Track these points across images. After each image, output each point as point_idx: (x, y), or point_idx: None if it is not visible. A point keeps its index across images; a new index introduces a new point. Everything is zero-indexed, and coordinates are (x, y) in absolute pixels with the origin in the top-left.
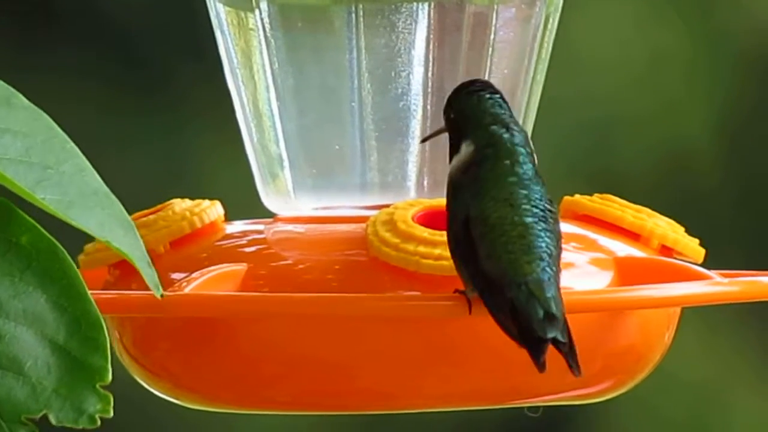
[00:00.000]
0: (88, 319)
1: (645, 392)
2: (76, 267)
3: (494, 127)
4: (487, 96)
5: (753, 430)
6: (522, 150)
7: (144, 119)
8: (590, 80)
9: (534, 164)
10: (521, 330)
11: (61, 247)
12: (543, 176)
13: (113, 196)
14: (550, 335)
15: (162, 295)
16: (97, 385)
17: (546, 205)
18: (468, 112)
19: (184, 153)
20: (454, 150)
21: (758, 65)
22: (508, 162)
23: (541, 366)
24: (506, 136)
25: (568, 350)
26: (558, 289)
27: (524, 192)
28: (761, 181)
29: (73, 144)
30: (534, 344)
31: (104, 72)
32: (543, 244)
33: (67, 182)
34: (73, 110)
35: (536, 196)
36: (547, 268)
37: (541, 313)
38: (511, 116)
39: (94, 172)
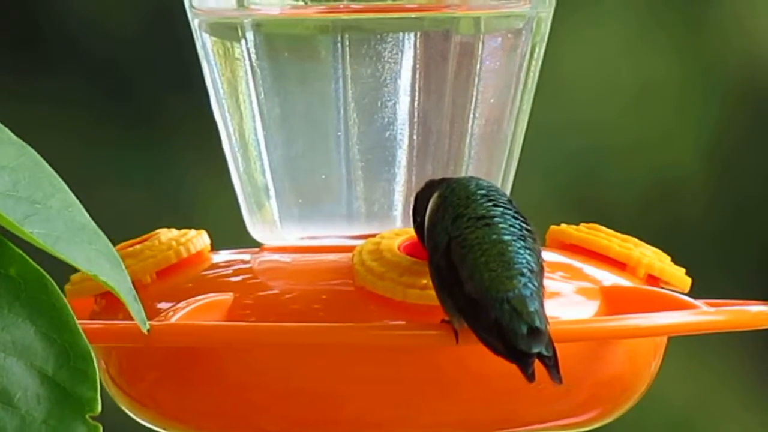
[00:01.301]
0: (76, 351)
1: (628, 417)
2: (64, 298)
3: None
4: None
5: None
6: (482, 182)
7: (132, 151)
8: (579, 108)
9: (495, 187)
10: (507, 346)
11: (50, 279)
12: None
13: (100, 232)
14: (536, 350)
15: (148, 330)
16: (87, 416)
17: (522, 224)
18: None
19: (171, 183)
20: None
21: (748, 94)
22: (472, 185)
23: (530, 377)
24: (460, 179)
25: (552, 363)
26: (541, 303)
27: (498, 209)
28: (749, 209)
29: (59, 179)
30: (520, 359)
31: (92, 103)
32: (523, 260)
33: (54, 217)
34: (60, 141)
35: (509, 214)
36: (529, 284)
37: (525, 328)
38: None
39: (81, 208)
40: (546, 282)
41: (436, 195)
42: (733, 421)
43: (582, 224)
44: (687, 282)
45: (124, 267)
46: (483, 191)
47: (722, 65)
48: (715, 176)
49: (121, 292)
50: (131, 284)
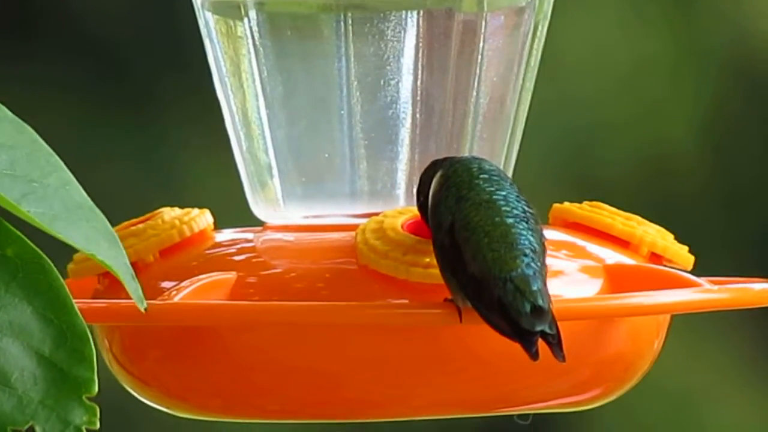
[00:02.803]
0: (74, 331)
1: (626, 398)
2: (62, 279)
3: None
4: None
5: None
6: (483, 163)
7: (130, 130)
8: (574, 85)
9: (497, 170)
10: (510, 325)
11: (47, 259)
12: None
13: (97, 210)
14: (539, 328)
15: (146, 309)
16: (84, 397)
17: (524, 206)
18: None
19: (172, 162)
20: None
21: (742, 69)
22: (475, 167)
23: (534, 356)
24: (463, 159)
25: (556, 341)
26: (544, 282)
27: (502, 194)
28: (745, 185)
29: (57, 157)
30: (524, 338)
31: (88, 83)
32: (526, 242)
33: (51, 196)
34: (58, 122)
35: (512, 198)
36: (532, 263)
37: (528, 307)
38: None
39: (78, 186)
40: (549, 260)
41: (439, 174)
42: (731, 403)
43: (585, 202)
44: (690, 260)
45: (121, 245)
46: (485, 175)
47: (716, 40)
48: (711, 153)
49: (118, 270)
50: (128, 262)
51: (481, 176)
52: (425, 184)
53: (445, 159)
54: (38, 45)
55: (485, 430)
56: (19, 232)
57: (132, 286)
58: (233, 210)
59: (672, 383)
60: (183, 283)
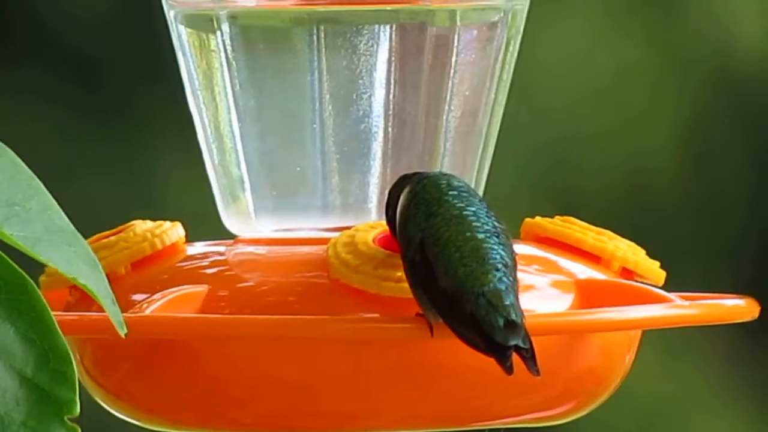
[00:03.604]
0: (56, 353)
1: (603, 412)
2: (44, 300)
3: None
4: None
5: None
6: (451, 178)
7: (104, 141)
8: (551, 98)
9: (466, 186)
10: (484, 339)
11: (30, 280)
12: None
13: (78, 234)
14: (512, 342)
15: (125, 334)
16: (65, 418)
17: (494, 221)
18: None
19: (145, 175)
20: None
21: (722, 82)
22: (443, 183)
23: (508, 370)
24: (431, 175)
25: (530, 355)
26: (516, 297)
27: (471, 210)
28: (723, 199)
29: (38, 180)
30: (498, 352)
31: (64, 94)
32: (497, 256)
33: (34, 219)
34: (32, 132)
35: (482, 213)
36: (504, 278)
37: (501, 321)
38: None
39: (59, 210)
40: (521, 275)
41: (407, 190)
42: (707, 412)
43: (557, 217)
44: (661, 275)
45: (102, 269)
46: (454, 191)
47: (696, 53)
48: (690, 166)
49: (99, 295)
50: (109, 286)
51: (450, 192)
52: (393, 199)
53: (413, 174)
54: (14, 54)
55: None
56: (2, 253)
57: (112, 310)
58: (207, 223)
59: (648, 394)
60: (154, 296)
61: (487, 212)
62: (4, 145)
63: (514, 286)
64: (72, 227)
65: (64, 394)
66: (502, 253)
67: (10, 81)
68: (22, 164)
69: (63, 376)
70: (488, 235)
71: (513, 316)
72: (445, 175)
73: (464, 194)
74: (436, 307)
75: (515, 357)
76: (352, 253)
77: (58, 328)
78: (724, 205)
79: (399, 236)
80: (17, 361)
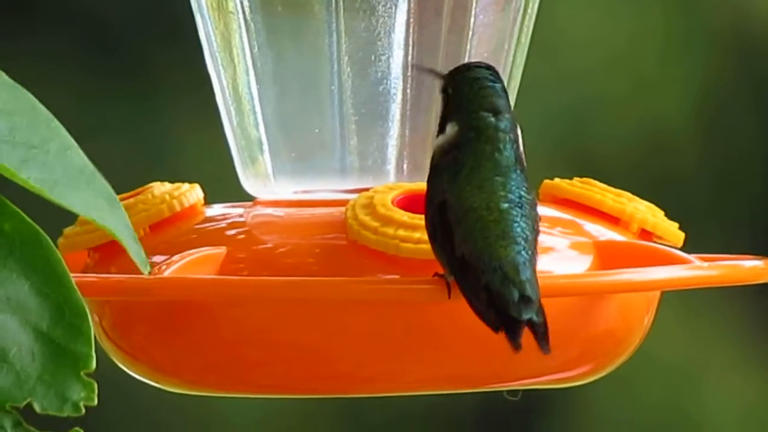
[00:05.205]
0: (71, 307)
1: (623, 374)
2: (59, 254)
3: (482, 113)
4: (488, 83)
5: (729, 412)
6: (504, 136)
7: (121, 104)
8: (569, 60)
9: (517, 151)
10: (497, 312)
11: (45, 234)
12: (527, 161)
13: (98, 174)
14: (525, 317)
15: (149, 272)
16: (81, 373)
17: (522, 192)
18: (464, 92)
19: (163, 137)
20: (440, 129)
21: (735, 45)
22: (488, 147)
23: (516, 346)
24: (491, 120)
25: (542, 331)
26: (534, 272)
27: (500, 179)
28: (738, 161)
29: (57, 122)
30: (510, 326)
31: (81, 57)
32: (518, 229)
33: (52, 161)
34: (50, 96)
35: (512, 184)
36: (523, 252)
37: (516, 295)
38: (507, 104)
39: (79, 150)
40: (540, 237)
41: (456, 127)
42: (728, 375)
43: (576, 178)
44: (680, 237)
45: (123, 209)
46: (498, 154)
47: (709, 16)
48: (704, 126)
49: (120, 233)
50: (130, 225)
51: (495, 155)
52: (455, 87)
53: (468, 100)
54: (30, 19)
55: (478, 406)
56: (16, 207)
57: (134, 248)
58: (224, 184)
59: (667, 356)
60: (173, 258)
61: (517, 180)
62: (22, 88)
63: (533, 261)
64: (92, 166)
65: (79, 349)
66: (524, 225)
67: (26, 46)
68: (41, 107)
69: (78, 330)
70: (512, 205)
71: (528, 292)
72: (498, 128)
73: (504, 162)
74: (452, 270)
75: (527, 332)
76: (370, 215)
77: (74, 283)
78: (741, 167)
79: (427, 183)
80: (32, 316)
